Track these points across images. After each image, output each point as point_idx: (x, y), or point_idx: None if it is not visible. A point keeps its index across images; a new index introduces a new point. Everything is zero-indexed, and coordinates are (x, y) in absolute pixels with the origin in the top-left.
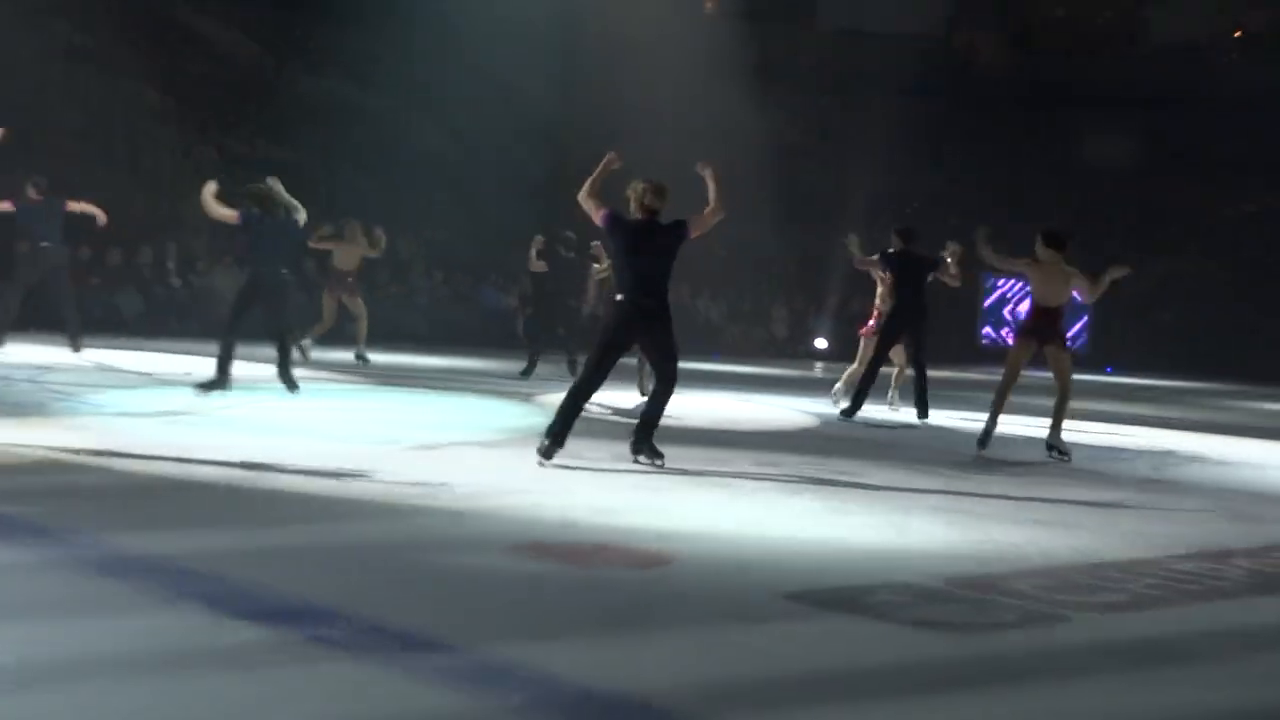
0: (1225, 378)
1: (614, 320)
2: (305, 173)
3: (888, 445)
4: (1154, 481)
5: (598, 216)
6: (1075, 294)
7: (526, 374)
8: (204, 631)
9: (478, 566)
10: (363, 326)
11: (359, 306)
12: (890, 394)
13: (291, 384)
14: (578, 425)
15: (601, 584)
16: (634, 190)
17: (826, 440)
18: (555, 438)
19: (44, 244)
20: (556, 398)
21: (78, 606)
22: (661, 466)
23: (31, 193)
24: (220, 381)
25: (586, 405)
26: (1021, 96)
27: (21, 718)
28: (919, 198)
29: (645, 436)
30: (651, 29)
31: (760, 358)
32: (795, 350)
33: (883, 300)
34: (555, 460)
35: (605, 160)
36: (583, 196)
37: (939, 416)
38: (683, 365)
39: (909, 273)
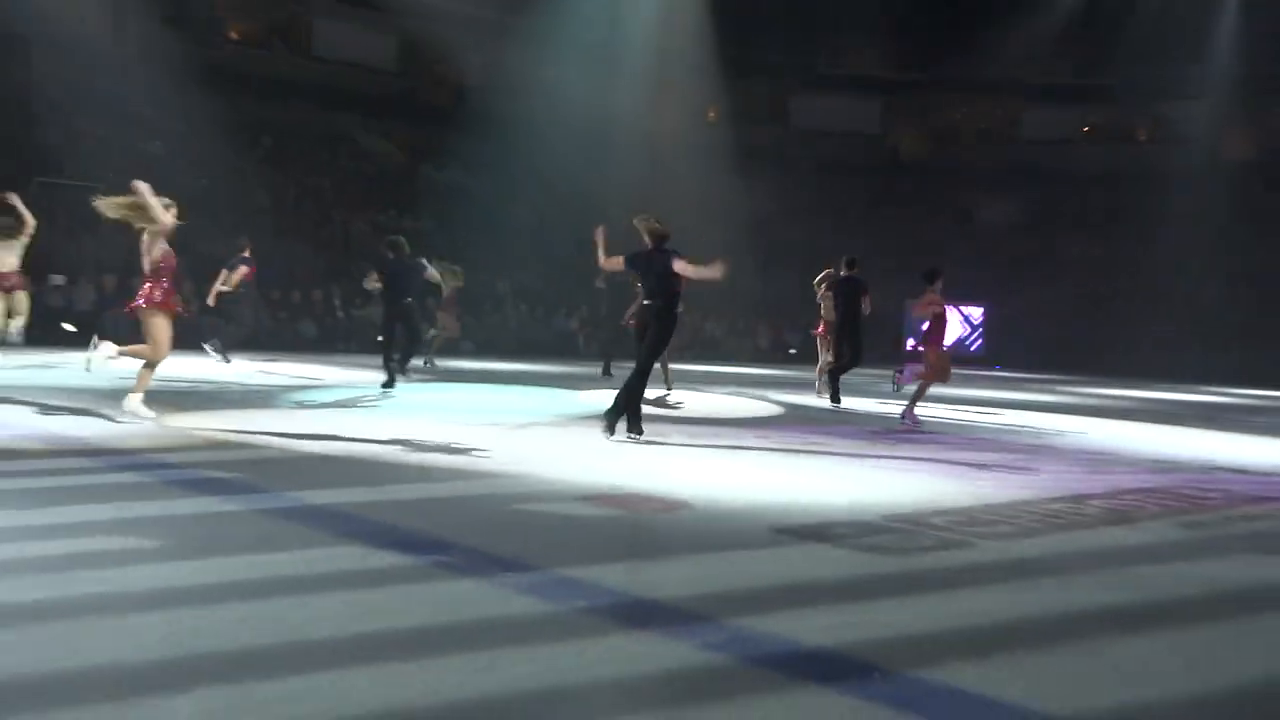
0: (1081, 371)
1: (639, 318)
2: (432, 237)
3: (842, 424)
4: (1034, 447)
5: (619, 263)
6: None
7: (606, 374)
8: (360, 558)
9: (552, 512)
10: (439, 341)
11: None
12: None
13: (391, 381)
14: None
15: (639, 523)
16: (643, 223)
17: (798, 420)
18: (621, 417)
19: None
20: (599, 394)
21: (271, 541)
22: (632, 440)
23: (246, 252)
24: (390, 381)
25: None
26: (932, 175)
27: (230, 621)
28: (860, 248)
29: (615, 416)
30: (670, 130)
31: (748, 360)
32: (773, 355)
33: (827, 312)
34: (612, 436)
35: (596, 236)
36: (603, 263)
37: (866, 403)
38: (694, 367)
39: (851, 292)
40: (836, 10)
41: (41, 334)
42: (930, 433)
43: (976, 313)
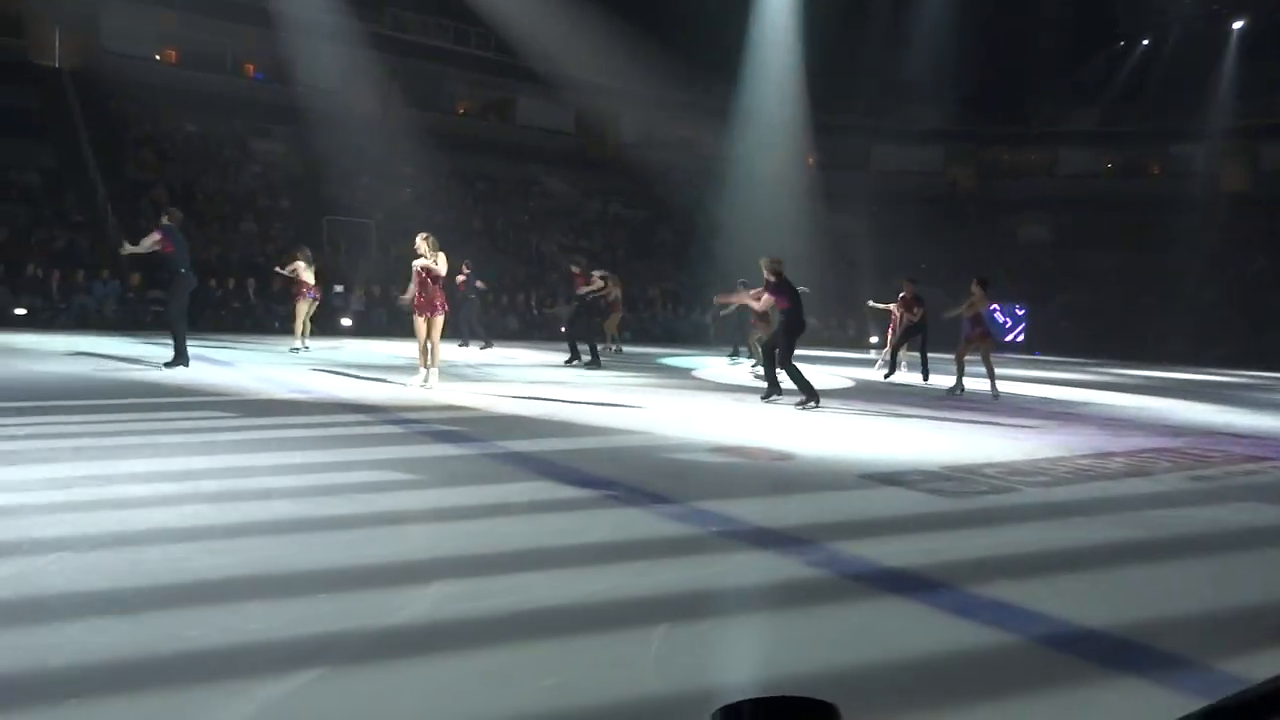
0: (1105, 356)
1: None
2: (598, 253)
3: (911, 394)
4: (1068, 414)
5: (765, 296)
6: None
7: (734, 357)
8: (549, 491)
9: (691, 459)
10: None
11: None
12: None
13: (576, 357)
14: (751, 385)
15: (757, 469)
16: (766, 263)
17: (879, 391)
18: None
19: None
20: (715, 373)
21: (484, 477)
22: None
23: (465, 269)
24: (573, 358)
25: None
26: (983, 204)
27: (459, 535)
28: (926, 262)
29: (777, 389)
30: (778, 173)
31: (841, 348)
32: (860, 343)
33: (900, 317)
34: (755, 404)
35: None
36: (759, 306)
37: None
38: (805, 352)
39: (915, 303)
40: (907, 79)
41: (330, 328)
42: (982, 402)
43: (1019, 311)
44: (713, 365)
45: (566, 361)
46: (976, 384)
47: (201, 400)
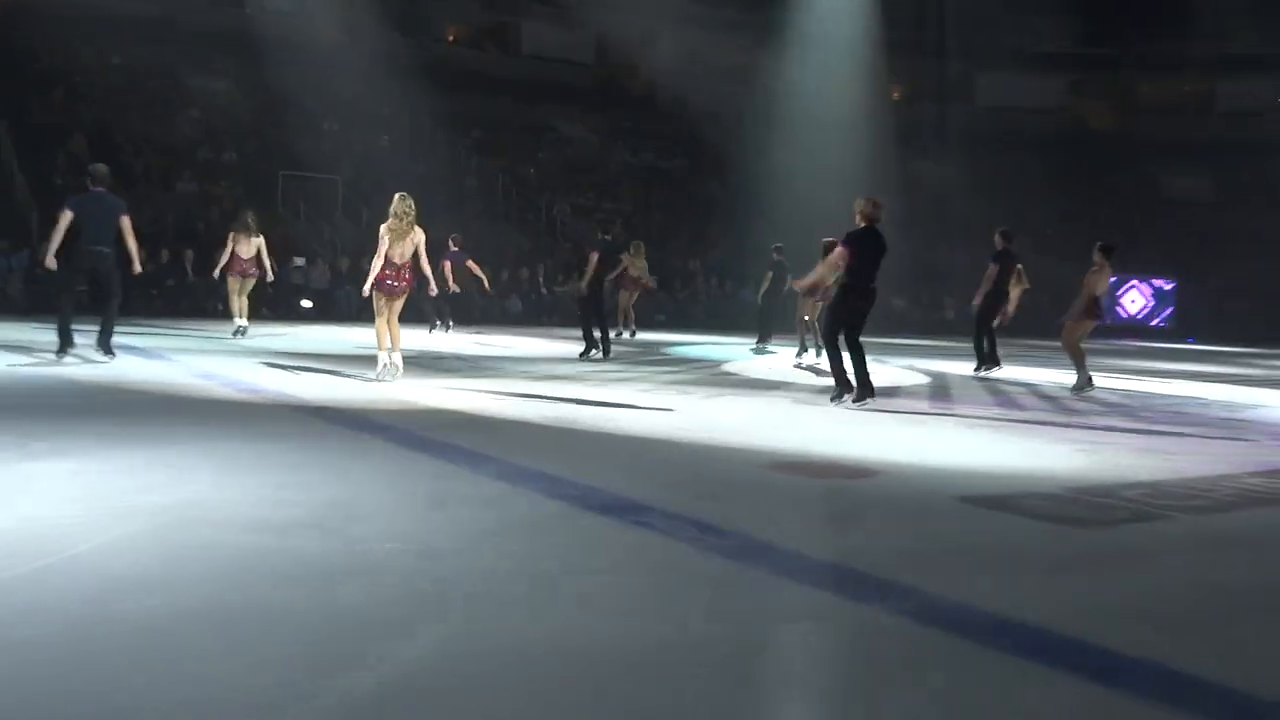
0: (1271, 344)
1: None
2: (625, 218)
3: (1024, 393)
4: (1227, 420)
5: (842, 258)
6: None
7: (762, 345)
8: (559, 518)
9: (742, 477)
10: (632, 316)
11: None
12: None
13: (607, 351)
14: (806, 382)
15: (826, 489)
16: (864, 204)
17: (983, 389)
18: (861, 385)
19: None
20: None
21: (479, 499)
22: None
23: (453, 245)
24: (590, 347)
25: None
26: (1120, 149)
27: (427, 578)
28: (1049, 222)
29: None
30: (853, 110)
31: (935, 334)
32: (960, 328)
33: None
34: (803, 405)
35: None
36: (819, 277)
37: (1043, 374)
38: (881, 339)
39: (1006, 266)
40: None
41: (286, 310)
42: (1114, 404)
43: (1166, 288)
44: (759, 356)
45: (583, 354)
46: (1121, 383)
47: (124, 401)
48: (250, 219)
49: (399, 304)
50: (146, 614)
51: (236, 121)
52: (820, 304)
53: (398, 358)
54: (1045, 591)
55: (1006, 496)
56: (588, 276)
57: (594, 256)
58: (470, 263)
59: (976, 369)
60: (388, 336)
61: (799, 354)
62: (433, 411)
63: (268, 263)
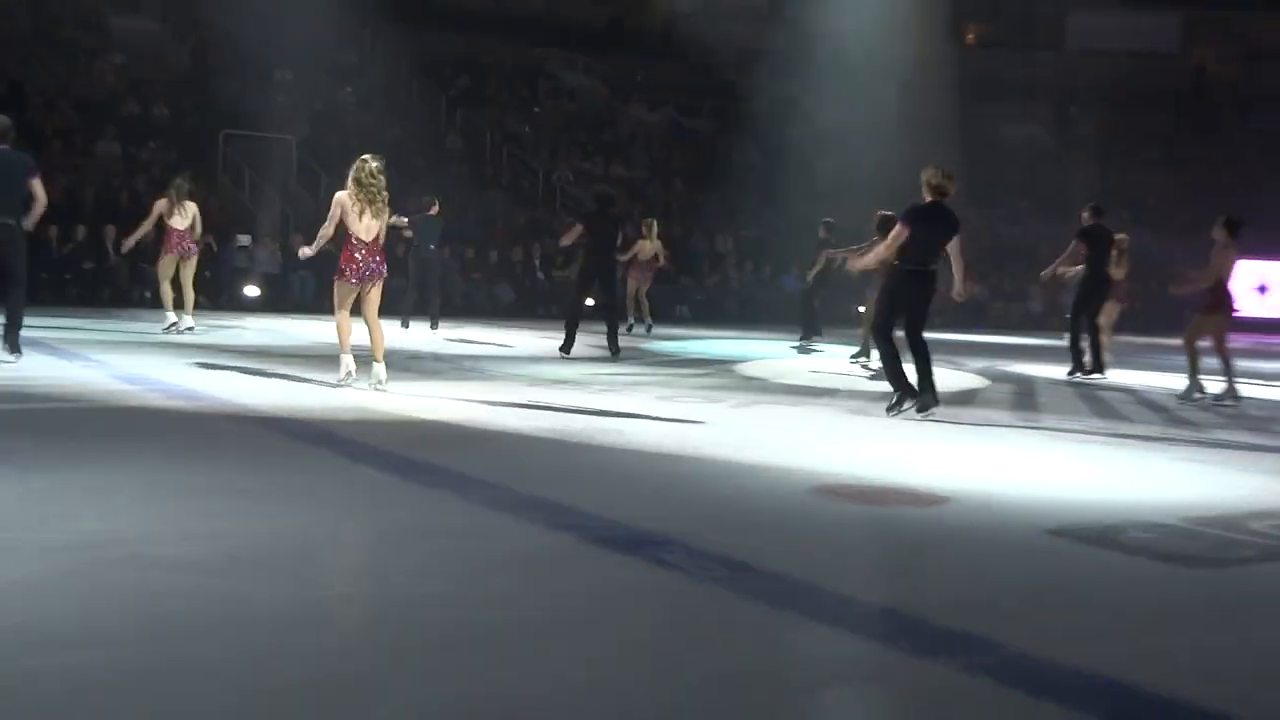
0: None
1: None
2: (641, 186)
3: (1131, 402)
4: None
5: (897, 237)
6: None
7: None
8: (565, 553)
9: (783, 504)
10: (646, 306)
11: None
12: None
13: (616, 350)
14: (859, 388)
15: (890, 521)
16: (932, 173)
17: (1080, 398)
18: (904, 390)
19: (430, 248)
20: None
21: (466, 531)
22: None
23: (432, 210)
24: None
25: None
26: (1245, 101)
27: (406, 630)
28: (1153, 192)
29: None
30: (916, 56)
31: (1020, 330)
32: (1050, 322)
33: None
34: (850, 415)
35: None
36: (879, 259)
37: (1152, 377)
38: (953, 337)
39: (1101, 244)
40: None
41: (229, 299)
42: (1240, 416)
43: None
44: (810, 356)
45: (561, 348)
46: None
47: (34, 411)
48: (182, 182)
49: (377, 293)
50: (62, 672)
51: (167, 69)
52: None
53: (381, 370)
54: (1154, 646)
55: (1106, 529)
56: (575, 264)
57: (575, 228)
58: (408, 232)
59: (1071, 372)
60: (352, 336)
61: (857, 355)
62: (408, 423)
63: (199, 238)
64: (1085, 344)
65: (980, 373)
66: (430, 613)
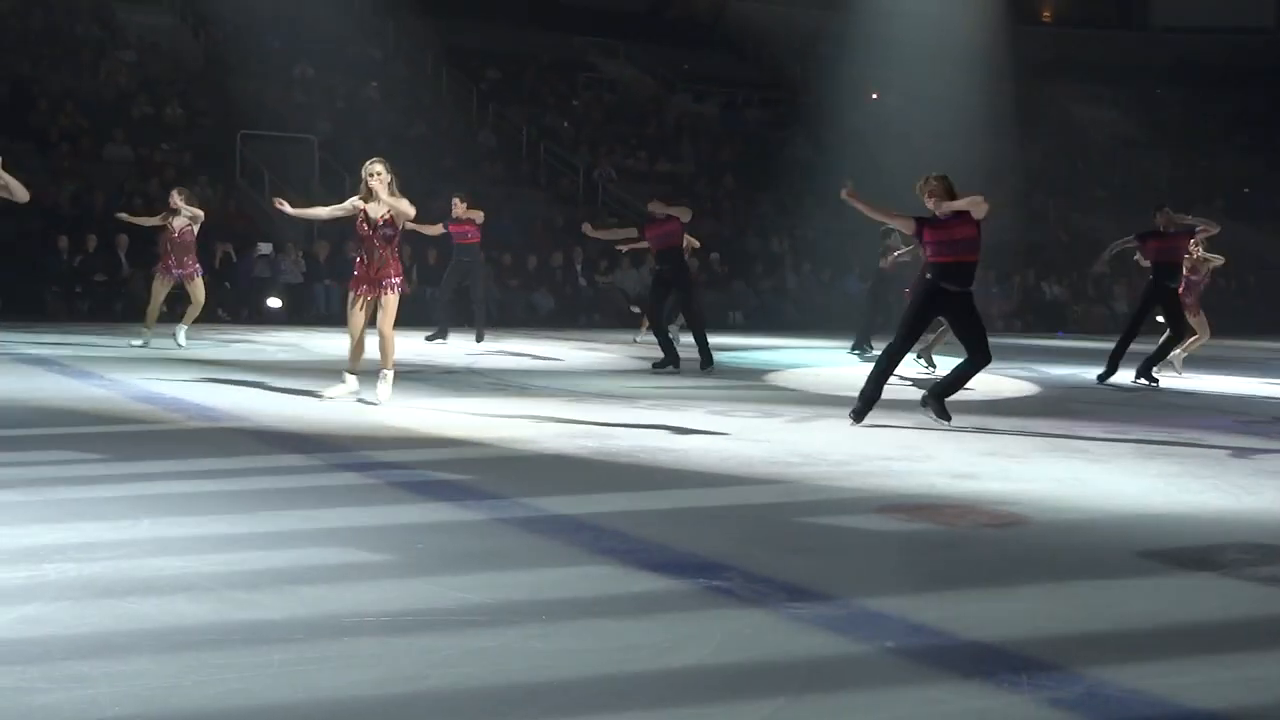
0: None
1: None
2: (689, 182)
3: (1228, 411)
4: None
5: (910, 226)
6: None
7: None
8: (616, 580)
9: (845, 524)
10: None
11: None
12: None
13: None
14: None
15: (961, 542)
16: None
17: (1169, 408)
18: (866, 401)
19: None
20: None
21: (501, 557)
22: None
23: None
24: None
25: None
26: None
27: (458, 653)
28: (1250, 183)
29: (941, 395)
30: (980, 39)
31: (1103, 334)
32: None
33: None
34: (895, 424)
35: (846, 195)
36: (898, 220)
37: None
38: (1030, 341)
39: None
40: None
41: (250, 312)
42: None
43: None
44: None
45: (658, 364)
46: None
47: (48, 434)
48: (184, 194)
49: (392, 309)
50: (74, 708)
51: (182, 66)
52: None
53: (388, 381)
54: (1259, 678)
55: (1203, 549)
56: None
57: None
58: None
59: (1138, 377)
60: (361, 353)
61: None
62: (440, 441)
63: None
64: (1172, 349)
65: (1061, 380)
66: (459, 646)
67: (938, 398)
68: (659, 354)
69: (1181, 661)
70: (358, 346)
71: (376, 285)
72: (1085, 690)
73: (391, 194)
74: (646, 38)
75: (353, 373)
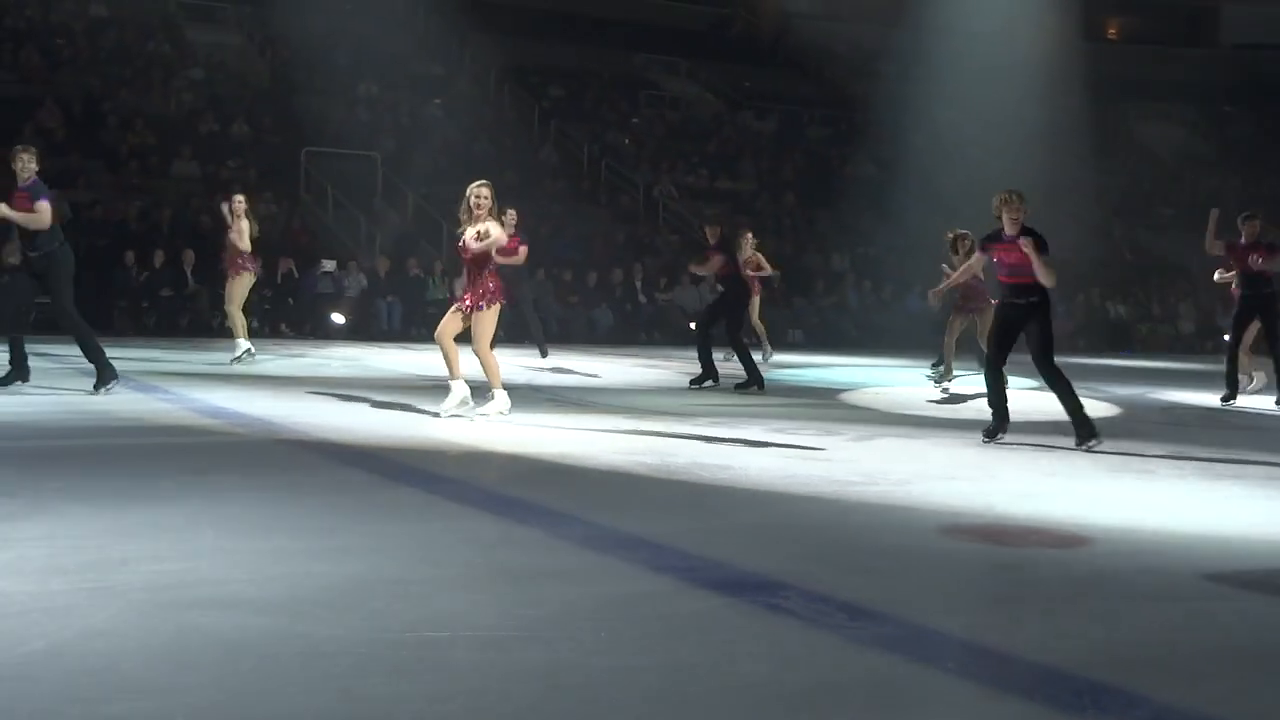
0: None
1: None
2: (750, 199)
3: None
4: None
5: (981, 260)
6: None
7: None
8: (672, 596)
9: (909, 543)
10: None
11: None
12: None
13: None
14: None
15: (1024, 563)
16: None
17: (1245, 430)
18: (1001, 417)
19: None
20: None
21: (561, 573)
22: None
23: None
24: (706, 376)
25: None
26: None
27: (490, 676)
28: None
29: (1078, 426)
30: (1047, 55)
31: (1169, 353)
32: (1203, 346)
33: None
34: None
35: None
36: (975, 264)
37: None
38: (1095, 361)
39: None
40: None
41: (313, 327)
42: None
43: None
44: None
45: (696, 381)
46: None
47: (114, 446)
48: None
49: (490, 323)
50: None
51: (248, 83)
52: (964, 318)
53: (502, 398)
54: None
55: (1271, 573)
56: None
57: (716, 258)
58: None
59: (1225, 398)
60: (457, 365)
61: (935, 365)
62: (500, 458)
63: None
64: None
65: (1127, 400)
66: (517, 660)
67: (1078, 429)
68: (741, 374)
69: (1248, 687)
70: (445, 356)
71: (468, 305)
72: (1151, 715)
73: (491, 218)
74: (709, 55)
75: (455, 379)
